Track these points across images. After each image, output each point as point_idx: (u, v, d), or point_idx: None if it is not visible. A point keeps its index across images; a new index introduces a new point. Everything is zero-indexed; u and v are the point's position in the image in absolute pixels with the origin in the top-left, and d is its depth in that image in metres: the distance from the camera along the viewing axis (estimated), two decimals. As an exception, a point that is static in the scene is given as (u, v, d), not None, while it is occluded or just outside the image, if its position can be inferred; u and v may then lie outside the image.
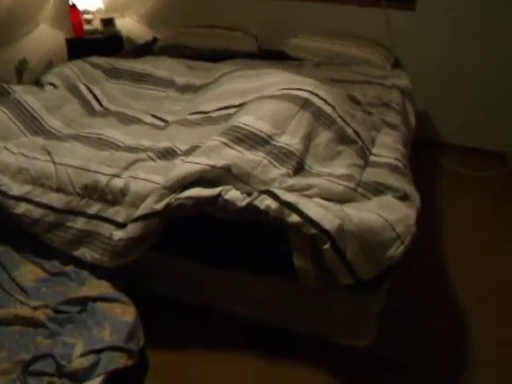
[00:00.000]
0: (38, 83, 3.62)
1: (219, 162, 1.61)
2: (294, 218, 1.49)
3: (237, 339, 1.93)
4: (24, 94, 2.25)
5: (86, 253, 1.84)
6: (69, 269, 1.92)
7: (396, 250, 1.54)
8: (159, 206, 1.60)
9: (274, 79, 2.21)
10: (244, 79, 2.33)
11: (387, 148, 2.06)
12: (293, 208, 1.50)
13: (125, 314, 1.76)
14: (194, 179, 1.61)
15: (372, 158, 1.98)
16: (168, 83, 2.61)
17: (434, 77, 3.61)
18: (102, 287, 1.84)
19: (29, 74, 3.83)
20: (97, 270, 1.87)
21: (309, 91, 1.99)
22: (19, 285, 1.86)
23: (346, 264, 1.52)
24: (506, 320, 2.11)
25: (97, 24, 4.03)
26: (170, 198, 1.60)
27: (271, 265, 1.73)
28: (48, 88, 2.44)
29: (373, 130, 2.17)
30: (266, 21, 3.79)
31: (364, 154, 1.95)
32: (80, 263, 1.89)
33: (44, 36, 3.98)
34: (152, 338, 1.79)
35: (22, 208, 1.87)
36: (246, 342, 1.91)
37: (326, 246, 1.48)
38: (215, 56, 3.37)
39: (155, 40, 3.89)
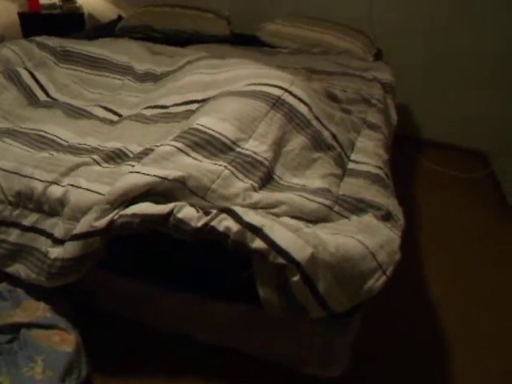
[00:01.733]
0: None
1: (172, 172, 1.36)
2: (258, 244, 1.26)
3: (194, 363, 1.72)
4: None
5: (20, 270, 1.59)
6: (1, 287, 1.68)
7: (376, 282, 1.33)
8: (100, 223, 1.35)
9: (243, 71, 1.95)
10: (209, 70, 2.06)
11: (368, 154, 1.84)
12: (257, 232, 1.26)
13: (63, 343, 1.54)
14: (142, 192, 1.36)
15: (350, 165, 1.76)
16: (126, 70, 2.31)
17: (415, 69, 3.43)
18: (39, 310, 1.61)
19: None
20: (35, 289, 1.63)
21: (282, 88, 1.74)
22: None
23: (317, 297, 1.30)
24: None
25: (55, -2, 3.67)
26: (113, 215, 1.35)
27: (231, 289, 1.50)
28: (-18, 73, 2.12)
29: (352, 131, 1.94)
30: (240, 2, 3.51)
31: (342, 161, 1.73)
32: (15, 280, 1.63)
33: (-6, 9, 3.62)
34: (100, 361, 1.61)
35: None
36: (202, 367, 1.70)
37: (295, 279, 1.25)
38: (184, 39, 3.10)
39: (120, 19, 3.57)
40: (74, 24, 3.58)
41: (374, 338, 1.88)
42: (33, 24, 3.55)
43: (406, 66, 3.35)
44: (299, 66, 2.65)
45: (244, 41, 3.17)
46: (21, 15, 3.54)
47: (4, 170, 1.56)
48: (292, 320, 1.51)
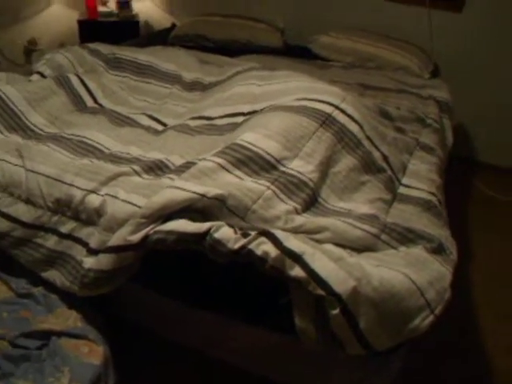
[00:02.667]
0: None
1: (211, 190, 1.30)
2: (298, 272, 1.18)
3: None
4: (4, 83, 1.96)
5: (55, 276, 1.58)
6: (37, 291, 1.67)
7: (423, 321, 1.22)
8: (134, 238, 1.30)
9: (293, 84, 1.88)
10: (258, 81, 2.00)
11: (420, 178, 1.73)
12: (297, 259, 1.18)
13: (91, 354, 1.50)
14: (180, 208, 1.30)
15: (401, 190, 1.66)
16: (174, 78, 2.29)
17: (474, 88, 3.24)
18: (71, 319, 1.59)
19: (38, 55, 3.59)
20: (68, 296, 1.60)
21: (333, 105, 1.66)
22: (-22, 307, 1.61)
23: (357, 334, 1.20)
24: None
25: (112, 6, 3.75)
26: (149, 230, 1.30)
27: (267, 314, 1.43)
28: (35, 77, 2.14)
29: (405, 153, 1.84)
30: (295, 13, 3.47)
31: (393, 185, 1.63)
32: (51, 285, 1.62)
33: (56, 16, 3.76)
34: (128, 375, 1.56)
35: (-13, 218, 1.60)
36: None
37: (335, 312, 1.16)
38: (236, 49, 3.08)
39: (174, 27, 3.59)
40: (129, 31, 3.64)
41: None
42: (90, 31, 3.62)
43: (466, 84, 3.19)
44: (352, 81, 2.57)
45: (297, 52, 3.11)
46: (80, 22, 3.62)
47: (46, 175, 1.56)
48: (327, 354, 1.42)
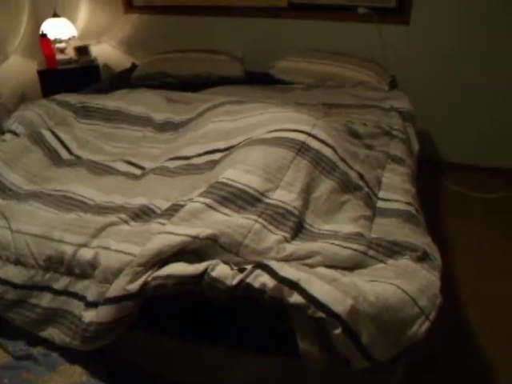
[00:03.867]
0: None
1: (203, 231, 1.34)
2: (297, 299, 1.23)
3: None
4: (-23, 146, 1.98)
5: (54, 334, 1.58)
6: (36, 351, 1.65)
7: (419, 328, 1.28)
8: (133, 287, 1.33)
9: (264, 117, 1.95)
10: (229, 117, 2.06)
11: (396, 190, 1.81)
12: (294, 286, 1.23)
13: (100, 406, 1.50)
14: (174, 252, 1.34)
15: (380, 204, 1.73)
16: (144, 121, 2.33)
17: (432, 94, 3.40)
18: (75, 375, 1.58)
19: (1, 108, 3.59)
20: (70, 352, 1.59)
21: (305, 132, 1.73)
22: (-23, 375, 1.59)
23: (360, 349, 1.25)
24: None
25: (71, 53, 3.77)
26: (147, 277, 1.33)
27: (270, 342, 1.46)
28: (8, 137, 2.15)
29: (377, 168, 1.92)
30: (252, 41, 3.56)
31: (371, 200, 1.70)
32: (50, 343, 1.61)
33: (15, 68, 3.75)
34: None
35: (-24, 284, 1.60)
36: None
37: (337, 332, 1.21)
38: (199, 83, 3.14)
39: (134, 67, 3.64)
40: (89, 76, 3.66)
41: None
42: (50, 80, 3.63)
43: (423, 92, 3.33)
44: (316, 101, 2.65)
45: (258, 79, 3.19)
46: (40, 73, 3.63)
47: (33, 234, 1.57)
48: (333, 372, 1.46)
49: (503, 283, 2.38)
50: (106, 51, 3.96)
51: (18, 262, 1.57)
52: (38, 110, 2.28)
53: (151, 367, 1.72)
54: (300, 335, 1.30)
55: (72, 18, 3.79)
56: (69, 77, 3.66)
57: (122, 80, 3.32)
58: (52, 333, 1.58)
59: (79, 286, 1.51)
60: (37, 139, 2.10)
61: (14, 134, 2.17)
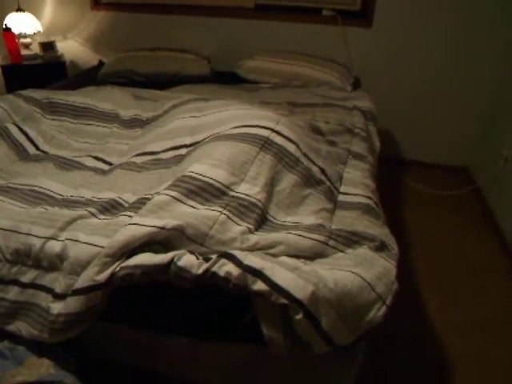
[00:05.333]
0: None
1: (169, 222, 1.38)
2: (260, 286, 1.28)
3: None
4: None
5: (21, 327, 1.58)
6: (2, 345, 1.64)
7: (377, 313, 1.35)
8: (101, 277, 1.36)
9: (229, 113, 2.00)
10: (195, 113, 2.11)
11: (356, 184, 1.88)
12: (257, 274, 1.29)
13: (69, 398, 1.52)
14: (142, 243, 1.38)
15: (341, 198, 1.80)
16: (112, 117, 2.35)
17: (394, 94, 3.51)
18: (43, 367, 1.58)
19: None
20: (36, 345, 1.61)
21: (269, 128, 1.79)
22: None
23: (321, 333, 1.32)
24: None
25: (36, 48, 3.73)
26: (115, 267, 1.36)
27: (234, 331, 1.51)
28: (-29, 132, 2.14)
29: (339, 163, 1.99)
30: (219, 41, 3.63)
31: (332, 194, 1.77)
32: (16, 338, 1.61)
33: (-24, 63, 3.67)
34: None
35: None
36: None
37: (299, 317, 1.28)
38: (166, 81, 3.16)
39: (101, 64, 3.63)
40: (56, 73, 3.64)
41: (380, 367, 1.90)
42: (15, 76, 3.59)
43: (385, 92, 3.44)
44: (281, 100, 2.71)
45: (225, 78, 3.24)
46: (3, 68, 3.58)
47: (1, 228, 1.57)
48: (296, 357, 1.53)
49: (458, 273, 2.51)
50: (72, 48, 3.94)
51: (-16, 256, 1.57)
52: (3, 104, 2.27)
53: (118, 357, 1.75)
54: (264, 322, 1.36)
55: (37, 13, 3.76)
56: (34, 72, 3.63)
57: (89, 77, 3.30)
58: (19, 326, 1.58)
59: (47, 279, 1.53)
60: (2, 134, 2.09)
61: (-22, 129, 2.15)
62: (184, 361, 1.68)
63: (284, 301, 1.27)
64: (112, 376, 1.73)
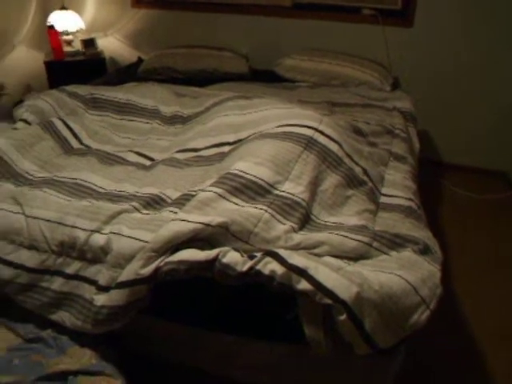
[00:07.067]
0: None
1: (215, 218, 1.39)
2: (304, 285, 1.28)
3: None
4: (-10, 133, 2.02)
5: (64, 318, 1.62)
6: (46, 334, 1.68)
7: (420, 316, 1.34)
8: (146, 271, 1.38)
9: (271, 112, 2.00)
10: (238, 111, 2.12)
11: (397, 186, 1.87)
12: (302, 273, 1.28)
13: (110, 389, 1.54)
14: (187, 239, 1.39)
15: (383, 199, 1.79)
16: (153, 113, 2.38)
17: (434, 96, 3.45)
18: (85, 357, 1.61)
19: (7, 98, 3.62)
20: (79, 335, 1.64)
21: (312, 128, 1.78)
22: (-12, 356, 1.63)
23: (364, 335, 1.30)
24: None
25: (78, 45, 3.81)
26: (159, 262, 1.38)
27: (275, 329, 1.51)
28: (20, 125, 2.19)
29: (380, 165, 1.98)
30: (257, 39, 3.62)
31: (374, 196, 1.75)
32: (60, 326, 1.65)
33: (21, 59, 3.78)
34: None
35: (-11, 267, 1.64)
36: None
37: (342, 317, 1.27)
38: (204, 78, 3.18)
39: (140, 61, 3.69)
40: (96, 69, 3.70)
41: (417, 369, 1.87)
42: (57, 72, 3.68)
43: (425, 93, 3.38)
44: (320, 100, 2.70)
45: (263, 77, 3.24)
46: (46, 64, 3.67)
47: (47, 220, 1.61)
48: (337, 357, 1.52)
49: (496, 278, 2.46)
50: (112, 44, 4.00)
51: (31, 247, 1.61)
52: (48, 99, 2.33)
53: (160, 352, 1.77)
54: (306, 321, 1.36)
55: (79, 11, 3.84)
56: (75, 68, 3.71)
57: (129, 73, 3.36)
58: (63, 316, 1.62)
59: (91, 271, 1.56)
60: (48, 128, 2.14)
61: (26, 122, 2.21)
62: (224, 358, 1.69)
63: (328, 301, 1.26)
64: (150, 370, 1.75)
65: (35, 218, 1.62)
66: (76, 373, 1.55)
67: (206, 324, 1.61)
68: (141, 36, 3.95)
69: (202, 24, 3.74)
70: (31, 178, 1.90)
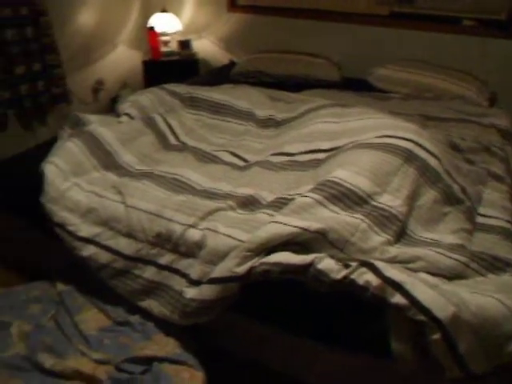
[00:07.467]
0: (113, 102, 3.66)
1: (313, 224, 1.41)
2: (399, 300, 1.26)
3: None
4: (99, 126, 2.14)
5: (152, 306, 1.69)
6: (134, 319, 1.77)
7: (519, 345, 1.28)
8: (241, 270, 1.41)
9: (370, 121, 1.99)
10: (334, 119, 2.12)
11: (495, 207, 1.80)
12: (398, 287, 1.27)
13: (192, 379, 1.59)
14: (283, 241, 1.41)
15: (479, 220, 1.73)
16: (248, 116, 2.43)
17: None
18: (169, 345, 1.68)
19: (104, 93, 3.85)
20: (165, 324, 1.71)
21: (412, 141, 1.76)
22: (81, 332, 1.73)
23: (457, 357, 1.27)
24: None
25: (174, 46, 3.97)
26: (254, 262, 1.41)
27: (357, 339, 1.50)
28: (124, 119, 2.32)
29: (478, 183, 1.91)
30: (349, 47, 3.59)
31: (471, 215, 1.70)
32: (146, 313, 1.73)
33: (121, 57, 4.00)
34: None
35: (89, 251, 1.75)
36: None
37: (436, 337, 1.24)
38: (295, 84, 3.21)
39: (232, 63, 3.77)
40: (188, 69, 3.84)
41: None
42: (153, 70, 3.85)
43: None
44: (413, 113, 2.64)
45: (354, 85, 3.21)
46: (144, 63, 3.85)
47: (146, 211, 1.69)
48: (420, 376, 1.48)
49: None
50: (205, 46, 4.13)
51: (128, 235, 1.70)
52: (150, 96, 2.44)
53: (234, 348, 1.80)
54: (394, 336, 1.34)
55: (178, 13, 3.99)
56: (169, 68, 3.86)
57: (221, 75, 3.45)
58: (151, 304, 1.69)
59: (183, 264, 1.62)
60: (150, 123, 2.25)
61: (129, 116, 2.33)
62: (301, 362, 1.70)
63: (422, 318, 1.24)
64: (225, 365, 1.76)
65: (135, 208, 1.71)
66: (161, 359, 1.61)
67: (285, 325, 1.62)
68: (233, 39, 4.04)
69: (295, 30, 3.76)
70: (132, 170, 2.00)
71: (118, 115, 2.39)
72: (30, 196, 1.91)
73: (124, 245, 1.71)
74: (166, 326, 1.71)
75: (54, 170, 1.90)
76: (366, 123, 1.99)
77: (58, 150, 2.02)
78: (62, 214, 1.80)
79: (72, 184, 1.87)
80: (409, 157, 1.70)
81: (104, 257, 1.73)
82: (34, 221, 2.00)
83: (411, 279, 1.29)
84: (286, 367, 1.75)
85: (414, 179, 1.64)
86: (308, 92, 2.92)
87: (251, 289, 1.50)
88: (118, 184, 1.85)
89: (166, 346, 1.68)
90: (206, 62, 4.13)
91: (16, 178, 2.11)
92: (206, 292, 1.49)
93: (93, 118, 2.24)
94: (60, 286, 1.91)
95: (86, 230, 1.76)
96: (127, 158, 2.06)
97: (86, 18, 3.58)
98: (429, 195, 1.64)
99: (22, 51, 3.03)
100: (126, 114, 2.33)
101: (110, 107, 3.74)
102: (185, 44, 3.91)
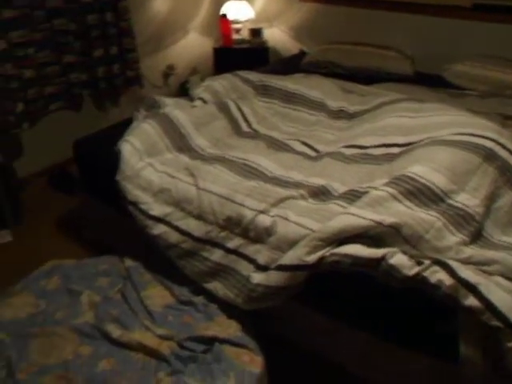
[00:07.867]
0: (182, 87, 3.74)
1: (387, 218, 1.39)
2: (472, 302, 1.23)
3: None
4: (174, 108, 2.19)
5: (218, 288, 1.73)
6: (197, 300, 1.82)
7: None
8: (311, 259, 1.42)
9: (448, 118, 1.93)
10: (409, 113, 2.07)
11: None
12: (472, 289, 1.24)
13: (252, 363, 1.62)
14: (355, 234, 1.41)
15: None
16: (320, 106, 2.42)
17: None
18: (231, 328, 1.71)
19: (174, 78, 3.94)
20: (227, 307, 1.75)
21: (493, 140, 1.69)
22: (146, 308, 1.79)
23: (533, 368, 1.22)
24: None
25: (245, 34, 4.00)
26: (325, 252, 1.41)
27: (418, 340, 1.48)
28: (198, 103, 2.36)
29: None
30: (424, 41, 3.47)
31: (551, 221, 1.62)
32: (210, 295, 1.78)
33: (192, 44, 4.08)
34: None
35: (159, 230, 1.81)
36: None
37: (511, 345, 1.20)
38: (367, 76, 3.15)
39: (302, 53, 3.75)
40: (259, 57, 3.85)
41: None
42: (223, 57, 3.89)
43: None
44: (490, 111, 2.54)
45: (427, 80, 3.11)
46: (215, 49, 3.90)
47: (218, 194, 1.72)
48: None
49: None
50: (276, 35, 4.12)
51: (199, 217, 1.74)
52: (223, 82, 2.48)
53: (298, 339, 1.80)
54: (464, 339, 1.31)
55: (250, 1, 4.01)
56: (240, 56, 3.89)
57: (291, 65, 3.43)
58: (216, 286, 1.73)
59: (250, 249, 1.64)
60: (223, 108, 2.29)
61: (203, 101, 2.37)
62: (367, 359, 1.68)
63: (497, 323, 1.21)
64: (285, 353, 1.78)
65: (207, 191, 1.75)
66: (223, 341, 1.65)
67: (349, 319, 1.61)
68: (304, 29, 4.00)
69: (367, 21, 3.68)
70: (204, 153, 2.05)
71: (192, 99, 2.43)
72: (105, 176, 1.99)
73: (194, 226, 1.75)
74: (228, 309, 1.75)
75: (130, 148, 1.97)
76: (443, 119, 1.93)
77: (134, 130, 2.09)
78: (135, 193, 1.87)
79: (146, 164, 1.93)
80: (489, 156, 1.65)
81: (174, 236, 1.78)
82: (109, 199, 2.08)
83: (487, 282, 1.25)
84: (348, 362, 1.74)
85: (494, 179, 1.59)
86: (380, 85, 2.86)
87: (319, 280, 1.51)
88: (190, 166, 1.90)
89: (228, 328, 1.71)
90: (276, 50, 4.13)
91: (92, 158, 2.21)
92: (273, 278, 1.51)
93: (168, 100, 2.30)
94: (128, 262, 1.99)
95: (157, 209, 1.82)
96: (200, 141, 2.10)
97: (160, 4, 3.68)
98: (508, 197, 1.59)
99: (101, 35, 3.15)
100: (200, 99, 2.38)
101: (180, 92, 3.84)
102: (256, 32, 3.92)
